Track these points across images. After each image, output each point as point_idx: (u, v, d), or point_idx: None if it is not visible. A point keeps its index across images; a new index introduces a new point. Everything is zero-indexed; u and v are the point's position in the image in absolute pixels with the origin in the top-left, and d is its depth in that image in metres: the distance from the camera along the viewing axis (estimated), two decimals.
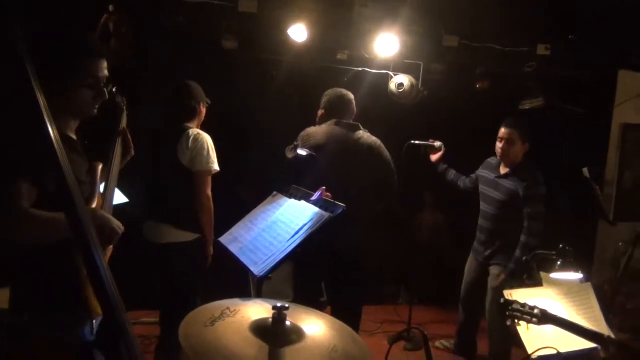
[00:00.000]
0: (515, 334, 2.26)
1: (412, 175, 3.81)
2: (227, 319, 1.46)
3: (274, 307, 1.42)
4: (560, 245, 2.47)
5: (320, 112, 3.40)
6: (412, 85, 4.35)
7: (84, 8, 3.39)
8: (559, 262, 2.46)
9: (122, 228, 1.72)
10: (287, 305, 1.43)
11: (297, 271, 3.59)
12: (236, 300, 1.60)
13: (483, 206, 3.70)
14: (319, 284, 3.44)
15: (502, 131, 3.55)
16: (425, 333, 1.83)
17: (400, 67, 4.41)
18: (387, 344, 4.11)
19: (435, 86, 4.46)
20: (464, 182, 3.95)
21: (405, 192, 3.45)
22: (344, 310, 3.15)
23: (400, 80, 4.37)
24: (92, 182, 1.83)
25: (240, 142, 4.45)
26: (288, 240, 2.21)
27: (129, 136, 2.22)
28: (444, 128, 4.30)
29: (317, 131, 3.25)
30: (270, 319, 1.42)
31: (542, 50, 4.06)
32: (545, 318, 2.11)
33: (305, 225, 2.24)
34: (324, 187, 2.65)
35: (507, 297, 2.27)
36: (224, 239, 2.57)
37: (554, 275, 2.48)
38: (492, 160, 3.74)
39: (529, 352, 2.16)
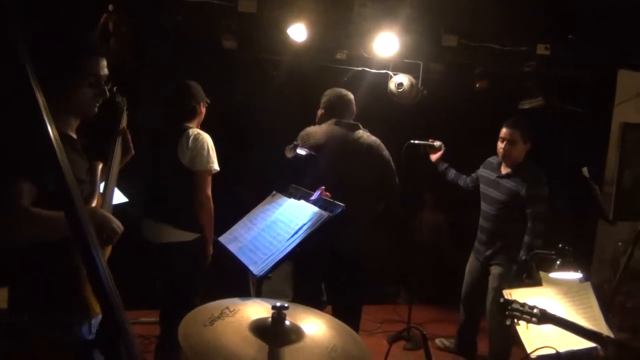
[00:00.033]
0: (515, 333, 2.26)
1: (412, 175, 3.80)
2: (226, 318, 1.46)
3: (274, 307, 1.41)
4: (560, 245, 2.47)
5: (320, 111, 3.40)
6: (411, 85, 4.35)
7: (83, 8, 3.39)
8: (558, 262, 2.46)
9: (122, 227, 1.72)
10: (286, 305, 1.43)
11: (296, 271, 3.59)
12: (235, 300, 1.60)
13: (483, 206, 3.70)
14: (318, 284, 3.45)
15: (504, 131, 3.54)
16: (425, 333, 1.83)
17: (399, 66, 4.41)
18: (387, 344, 4.11)
19: (435, 86, 4.46)
20: (464, 181, 3.95)
21: (405, 192, 3.45)
22: (345, 311, 3.15)
23: (400, 80, 4.37)
24: (92, 181, 1.84)
25: (239, 141, 4.45)
26: (287, 240, 2.21)
27: (129, 136, 2.22)
28: (443, 128, 4.30)
29: (317, 131, 3.25)
30: (270, 319, 1.42)
31: (541, 49, 4.05)
32: (544, 317, 2.11)
33: (304, 224, 2.25)
34: (323, 187, 2.65)
35: (506, 297, 2.27)
36: (223, 239, 2.57)
37: (553, 275, 2.48)
38: (492, 160, 3.73)
39: (528, 351, 2.16)
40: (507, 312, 2.17)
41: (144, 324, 3.86)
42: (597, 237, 4.53)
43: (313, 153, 3.07)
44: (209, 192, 3.07)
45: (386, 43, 3.91)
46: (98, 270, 1.17)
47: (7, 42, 1.12)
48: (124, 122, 2.25)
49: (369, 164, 3.23)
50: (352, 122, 3.32)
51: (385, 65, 4.40)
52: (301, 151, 3.06)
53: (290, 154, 3.07)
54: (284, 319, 1.42)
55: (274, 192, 2.78)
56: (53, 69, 1.63)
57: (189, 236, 3.06)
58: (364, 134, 3.28)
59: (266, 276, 2.11)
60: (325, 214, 2.27)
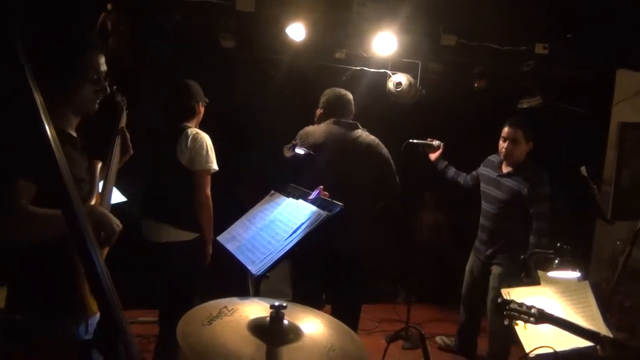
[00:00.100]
0: (514, 332, 2.27)
1: (411, 174, 3.81)
2: (224, 317, 1.46)
3: (272, 306, 1.42)
4: (558, 244, 2.48)
5: (319, 111, 3.40)
6: (410, 84, 4.36)
7: (83, 7, 3.39)
8: (556, 261, 2.46)
9: (121, 226, 1.72)
10: (284, 304, 1.43)
11: (295, 270, 3.59)
12: (234, 299, 1.60)
13: (484, 205, 3.69)
14: (317, 283, 3.44)
15: (506, 130, 3.53)
16: (423, 332, 1.83)
17: (398, 66, 4.41)
18: (385, 343, 4.11)
19: (433, 85, 4.46)
20: (464, 179, 3.94)
21: (404, 191, 3.45)
22: (345, 310, 3.15)
23: (399, 79, 4.37)
24: (91, 179, 1.84)
25: (238, 141, 4.45)
26: (286, 239, 2.21)
27: (128, 135, 2.22)
28: (442, 127, 4.30)
29: (316, 130, 3.25)
30: (268, 318, 1.42)
31: (540, 49, 4.05)
32: (542, 317, 2.12)
33: (302, 224, 2.25)
34: (322, 186, 2.65)
35: (504, 296, 2.28)
36: (221, 238, 2.57)
37: (552, 274, 2.48)
38: (493, 158, 3.72)
39: (527, 351, 2.16)
40: (505, 312, 2.17)
41: (142, 324, 3.87)
42: (596, 236, 4.53)
43: (311, 152, 3.07)
44: (208, 191, 3.07)
45: (385, 42, 3.92)
46: (96, 268, 1.17)
47: (6, 42, 1.13)
48: (123, 122, 2.25)
49: (368, 164, 3.23)
50: (351, 121, 3.31)
51: (384, 64, 4.40)
52: (300, 150, 3.07)
53: (289, 153, 3.07)
54: (282, 318, 1.42)
55: (272, 191, 2.78)
56: (53, 68, 1.63)
57: (188, 236, 3.06)
58: (362, 134, 3.28)
59: (264, 275, 2.11)
60: (324, 213, 2.27)
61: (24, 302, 1.66)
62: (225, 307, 1.52)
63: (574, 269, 2.45)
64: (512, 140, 3.49)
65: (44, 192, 1.55)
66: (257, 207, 2.70)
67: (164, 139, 3.09)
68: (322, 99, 3.40)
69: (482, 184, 3.73)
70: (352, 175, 3.13)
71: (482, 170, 3.77)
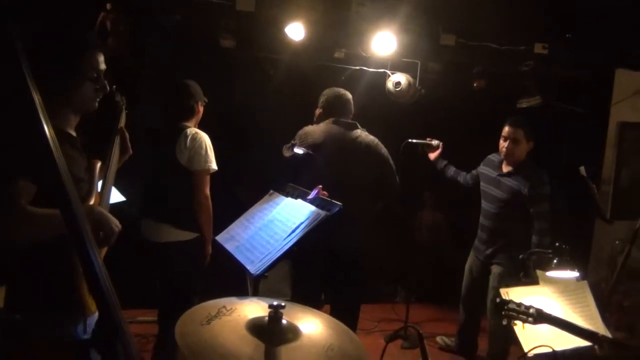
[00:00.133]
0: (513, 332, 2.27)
1: (410, 174, 3.81)
2: (223, 317, 1.47)
3: (270, 306, 1.42)
4: (557, 244, 2.48)
5: (318, 111, 3.40)
6: (409, 84, 4.36)
7: (82, 7, 3.39)
8: (555, 260, 2.46)
9: (120, 226, 1.72)
10: (283, 304, 1.43)
11: (294, 270, 3.59)
12: (232, 299, 1.60)
13: (484, 204, 3.69)
14: (316, 283, 3.45)
15: (507, 130, 3.53)
16: (421, 332, 1.83)
17: (397, 65, 4.41)
18: (384, 342, 4.11)
19: (432, 85, 4.46)
20: (464, 177, 3.94)
21: (404, 191, 3.45)
22: (344, 310, 3.16)
23: (398, 79, 4.37)
24: (90, 179, 1.84)
25: (238, 141, 4.45)
26: (284, 239, 2.21)
27: (127, 135, 2.22)
28: (441, 127, 4.30)
29: (315, 130, 3.25)
30: (267, 318, 1.42)
31: (539, 48, 4.06)
32: (540, 317, 2.12)
33: (301, 223, 2.25)
34: (321, 186, 2.65)
35: (502, 296, 2.28)
36: (220, 237, 2.57)
37: (550, 274, 2.48)
38: (493, 157, 3.72)
39: (525, 350, 2.16)
40: (503, 312, 2.17)
41: (141, 323, 3.87)
42: (595, 236, 4.54)
43: (310, 152, 3.07)
44: (208, 191, 3.07)
45: (384, 42, 3.91)
46: (94, 267, 1.17)
47: (5, 42, 1.13)
48: (122, 122, 2.25)
49: (367, 163, 3.23)
50: (350, 121, 3.31)
51: (383, 64, 4.40)
52: (299, 150, 3.07)
53: (288, 153, 3.07)
54: (280, 318, 1.42)
55: (271, 190, 2.78)
56: (53, 68, 1.63)
57: (187, 235, 3.06)
58: (362, 133, 3.28)
59: (263, 275, 2.12)
60: (323, 213, 2.27)
61: (23, 301, 1.66)
62: (224, 306, 1.52)
63: (572, 269, 2.45)
64: (512, 139, 3.49)
65: (42, 191, 1.55)
66: (256, 206, 2.70)
67: (164, 138, 3.09)
68: (322, 99, 3.40)
69: (482, 183, 3.73)
70: (351, 175, 3.13)
71: (482, 169, 3.77)
